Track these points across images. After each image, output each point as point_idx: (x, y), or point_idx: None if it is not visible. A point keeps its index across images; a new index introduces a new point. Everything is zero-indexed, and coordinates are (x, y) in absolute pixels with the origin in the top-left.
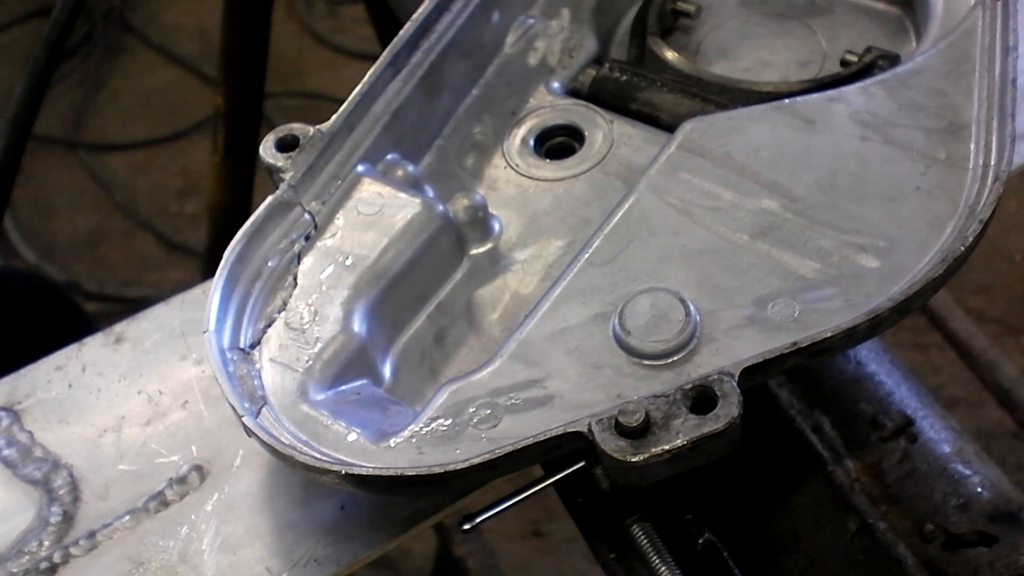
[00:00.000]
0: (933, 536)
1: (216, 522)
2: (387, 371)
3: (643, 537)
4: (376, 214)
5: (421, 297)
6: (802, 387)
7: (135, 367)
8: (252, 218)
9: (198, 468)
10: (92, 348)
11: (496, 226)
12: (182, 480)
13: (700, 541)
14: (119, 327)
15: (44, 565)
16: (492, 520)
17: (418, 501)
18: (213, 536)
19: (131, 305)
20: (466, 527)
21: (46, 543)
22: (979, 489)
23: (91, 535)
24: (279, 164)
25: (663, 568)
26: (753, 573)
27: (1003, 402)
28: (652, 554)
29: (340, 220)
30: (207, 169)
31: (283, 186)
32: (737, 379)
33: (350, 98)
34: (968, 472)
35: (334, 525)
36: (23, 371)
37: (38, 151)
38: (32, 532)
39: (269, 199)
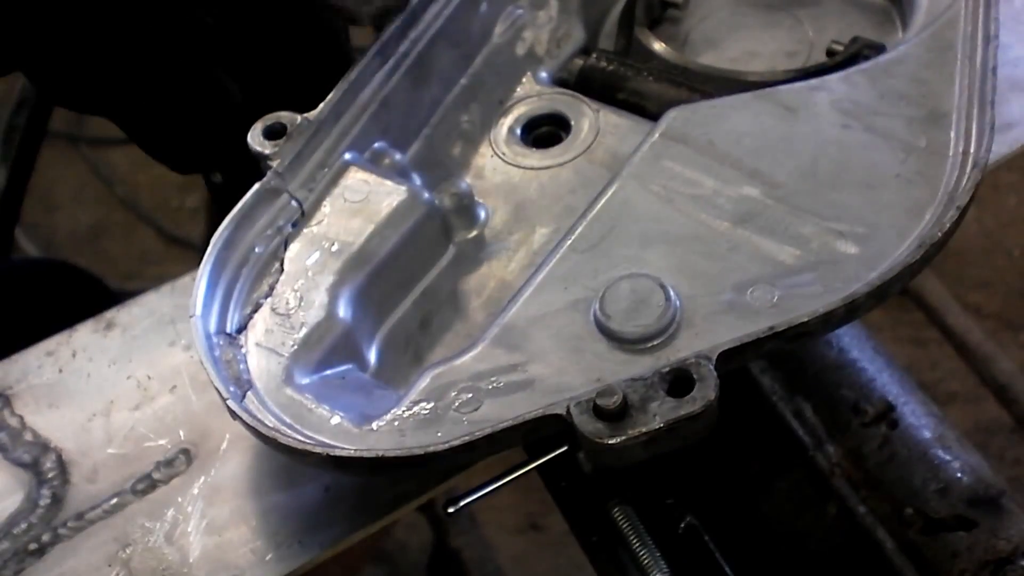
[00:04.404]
0: (912, 520)
1: (202, 504)
2: (372, 356)
3: (624, 520)
4: (362, 201)
5: (407, 283)
6: (785, 373)
7: (125, 352)
8: (239, 205)
9: (185, 451)
10: (83, 334)
11: (482, 213)
12: (169, 463)
13: (682, 525)
14: (109, 313)
15: (33, 546)
16: (489, 513)
17: (402, 484)
18: (199, 518)
19: (131, 299)
20: (450, 510)
21: (35, 525)
22: (959, 474)
23: (79, 517)
24: (266, 152)
25: (643, 551)
26: (734, 557)
27: (1000, 397)
28: (633, 537)
29: (327, 207)
30: None
31: (270, 173)
32: (714, 362)
33: (337, 87)
34: (948, 457)
35: (319, 507)
36: (14, 356)
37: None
38: (21, 514)
39: (256, 186)
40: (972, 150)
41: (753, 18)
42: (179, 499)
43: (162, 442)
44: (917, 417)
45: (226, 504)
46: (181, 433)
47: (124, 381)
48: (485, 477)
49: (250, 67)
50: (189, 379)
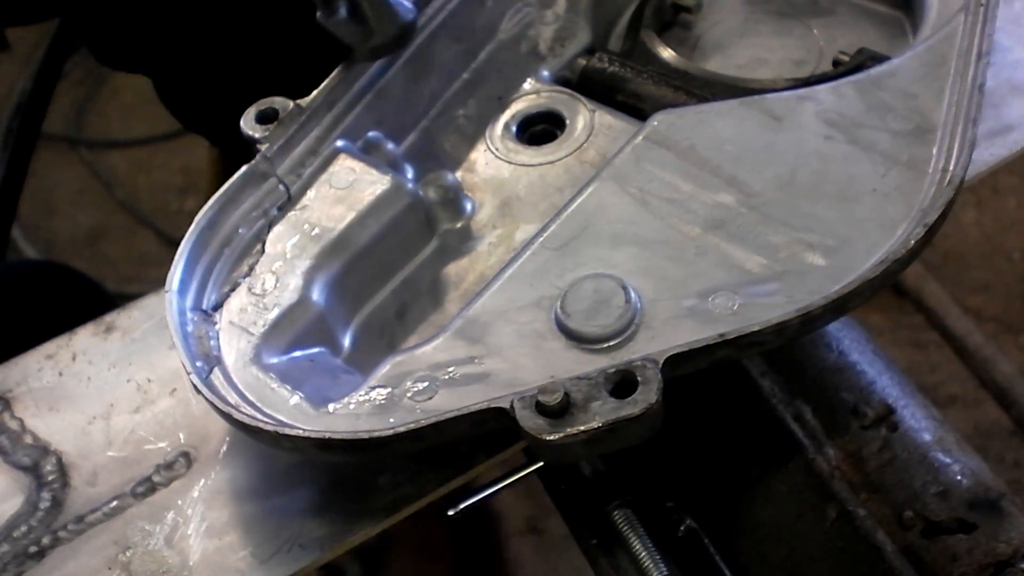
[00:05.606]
0: (912, 523)
1: (202, 507)
2: (347, 341)
3: (624, 523)
4: (347, 189)
5: (386, 272)
6: (784, 376)
7: (125, 356)
8: (225, 186)
9: (185, 455)
10: (83, 337)
11: (468, 207)
12: (169, 466)
13: (682, 528)
14: (109, 317)
15: (33, 549)
16: None
17: (402, 487)
18: (199, 521)
19: (131, 302)
20: (450, 512)
21: (35, 527)
22: (959, 477)
23: (79, 520)
24: (257, 136)
25: (644, 554)
26: (733, 559)
27: (1000, 400)
28: (633, 540)
29: (312, 193)
30: (205, 165)
31: (258, 157)
32: (660, 366)
33: (332, 75)
34: (948, 460)
35: (318, 511)
36: (14, 360)
37: (40, 148)
38: (21, 517)
39: (243, 169)
40: (952, 167)
41: (764, 25)
42: (179, 502)
43: (162, 445)
44: (917, 420)
45: (226, 507)
46: (181, 436)
47: (124, 384)
48: (485, 480)
49: (253, 49)
50: (189, 382)
